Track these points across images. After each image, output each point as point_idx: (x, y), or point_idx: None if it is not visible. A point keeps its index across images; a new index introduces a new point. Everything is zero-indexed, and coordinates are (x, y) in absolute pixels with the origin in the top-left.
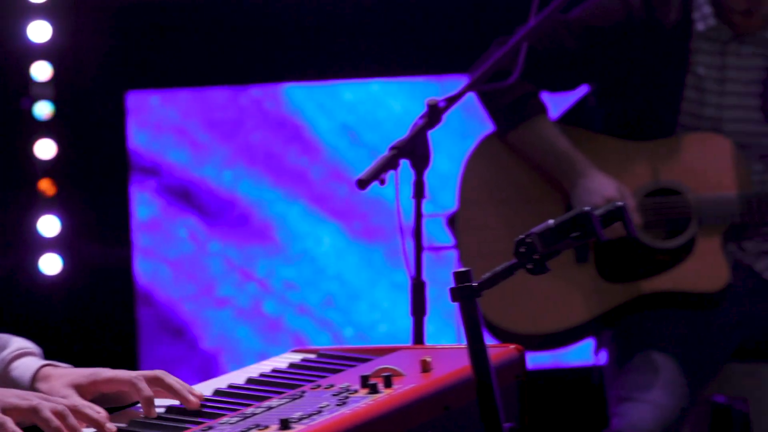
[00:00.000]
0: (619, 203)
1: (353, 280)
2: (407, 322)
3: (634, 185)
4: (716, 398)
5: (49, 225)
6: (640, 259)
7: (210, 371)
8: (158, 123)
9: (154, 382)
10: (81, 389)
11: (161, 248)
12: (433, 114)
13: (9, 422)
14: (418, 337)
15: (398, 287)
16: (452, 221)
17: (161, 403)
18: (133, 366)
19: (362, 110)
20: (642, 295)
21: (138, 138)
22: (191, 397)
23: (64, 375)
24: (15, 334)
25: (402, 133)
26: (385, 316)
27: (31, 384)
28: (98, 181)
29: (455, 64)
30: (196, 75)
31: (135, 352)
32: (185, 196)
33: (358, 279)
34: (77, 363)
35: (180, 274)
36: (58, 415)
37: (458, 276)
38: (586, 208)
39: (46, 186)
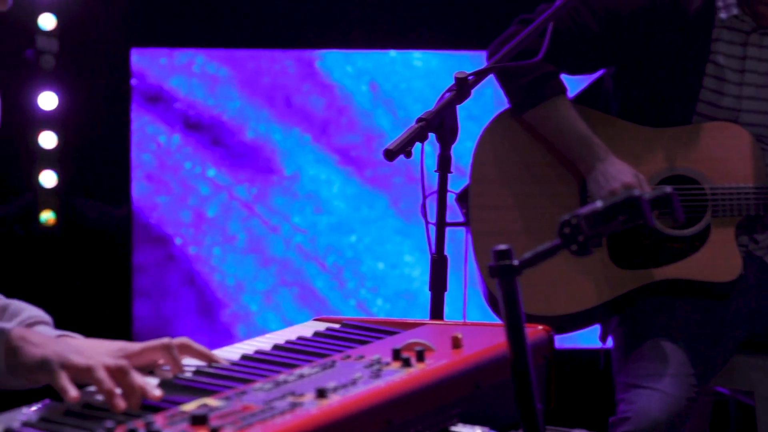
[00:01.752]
0: (668, 189)
1: (363, 228)
2: (414, 273)
3: (649, 172)
4: (719, 390)
5: (48, 179)
6: (653, 246)
7: (214, 318)
8: (165, 77)
9: (182, 349)
10: None
11: (167, 197)
12: (462, 88)
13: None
14: (437, 312)
15: (406, 237)
16: (462, 198)
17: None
18: (128, 320)
19: (380, 74)
20: (653, 282)
21: (142, 88)
22: (222, 361)
23: (86, 348)
24: (9, 283)
25: (420, 100)
26: (391, 266)
27: None
28: (100, 135)
29: (472, 41)
30: (200, 35)
31: (129, 303)
32: (197, 134)
33: (368, 228)
34: (71, 319)
35: (182, 219)
36: (117, 371)
37: (498, 254)
38: (637, 192)
39: (47, 139)
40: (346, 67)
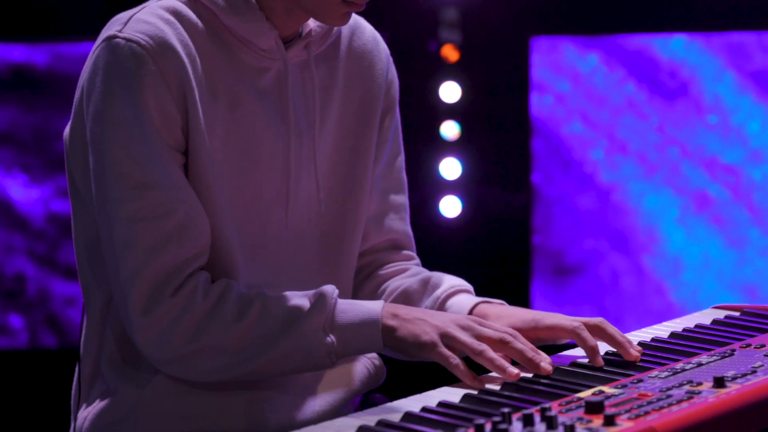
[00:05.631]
0: None
1: None
2: None
3: None
4: None
5: (451, 168)
6: None
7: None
8: (563, 70)
9: (595, 331)
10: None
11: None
12: None
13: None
14: None
15: None
16: None
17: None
18: (525, 305)
19: None
20: None
21: (540, 84)
22: (633, 351)
23: (503, 316)
24: None
25: None
26: None
27: None
28: (501, 125)
29: None
30: (607, 22)
31: (528, 294)
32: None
33: None
34: None
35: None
36: (499, 342)
37: None
38: None
39: (449, 130)
40: None
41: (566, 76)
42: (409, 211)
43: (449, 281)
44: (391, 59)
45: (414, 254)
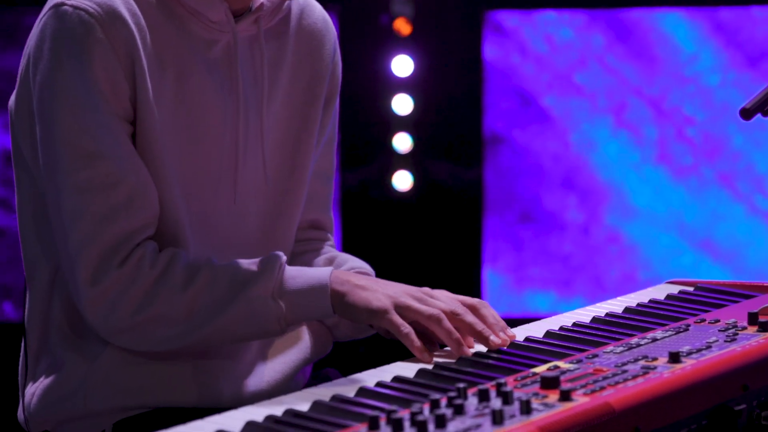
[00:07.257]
0: None
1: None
2: None
3: None
4: None
5: (402, 142)
6: None
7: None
8: (515, 43)
9: (471, 309)
10: None
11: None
12: None
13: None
14: None
15: None
16: None
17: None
18: (476, 286)
19: None
20: None
21: (494, 58)
22: (495, 339)
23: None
24: (364, 245)
25: None
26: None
27: None
28: (453, 99)
29: None
30: None
31: (479, 270)
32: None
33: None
34: (422, 279)
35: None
36: (451, 313)
37: None
38: None
39: (401, 104)
40: None
41: (522, 36)
42: (332, 196)
43: (353, 262)
44: (338, 42)
45: (331, 237)
